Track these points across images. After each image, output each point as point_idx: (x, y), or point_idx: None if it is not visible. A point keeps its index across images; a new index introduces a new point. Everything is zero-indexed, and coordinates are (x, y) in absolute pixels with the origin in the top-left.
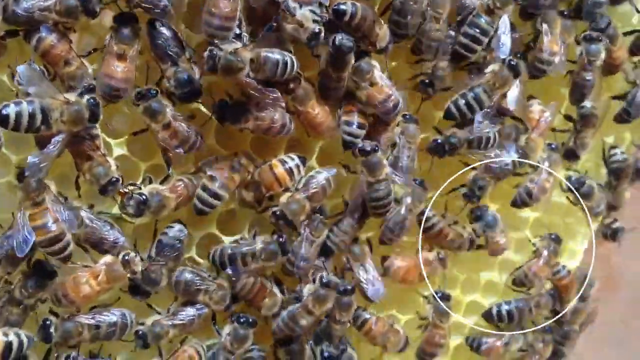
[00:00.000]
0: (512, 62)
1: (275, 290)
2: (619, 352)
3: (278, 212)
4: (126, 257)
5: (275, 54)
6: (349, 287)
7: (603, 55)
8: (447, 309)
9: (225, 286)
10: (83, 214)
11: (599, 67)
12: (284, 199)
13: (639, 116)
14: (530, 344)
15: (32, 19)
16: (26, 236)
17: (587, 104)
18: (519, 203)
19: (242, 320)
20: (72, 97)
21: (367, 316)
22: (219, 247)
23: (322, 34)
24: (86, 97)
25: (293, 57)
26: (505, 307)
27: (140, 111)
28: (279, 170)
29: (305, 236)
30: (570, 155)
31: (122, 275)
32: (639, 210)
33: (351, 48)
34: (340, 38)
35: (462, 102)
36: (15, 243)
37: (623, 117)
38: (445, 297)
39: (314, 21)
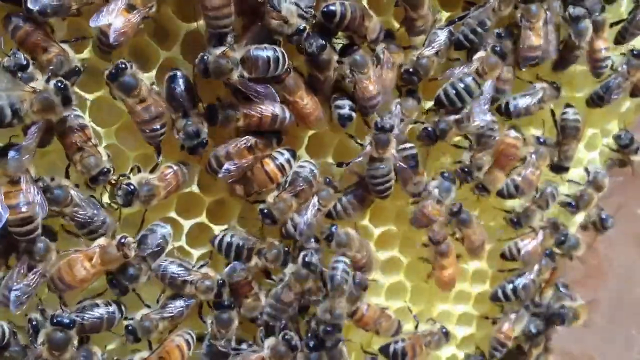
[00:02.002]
0: (497, 47)
1: (262, 295)
2: (606, 339)
3: (265, 211)
4: (122, 240)
5: (265, 51)
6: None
7: (591, 31)
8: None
9: (211, 276)
10: (72, 192)
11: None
12: (270, 198)
13: (610, 102)
14: None
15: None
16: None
17: (570, 111)
18: (506, 195)
19: (219, 305)
20: (39, 85)
21: (358, 304)
22: (227, 235)
23: (306, 31)
24: (52, 82)
25: (283, 52)
26: (509, 287)
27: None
28: (270, 167)
29: (313, 203)
30: (559, 169)
31: (116, 258)
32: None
33: (323, 47)
34: (310, 43)
35: (452, 91)
36: None
37: (595, 101)
38: (445, 335)
39: (299, 16)
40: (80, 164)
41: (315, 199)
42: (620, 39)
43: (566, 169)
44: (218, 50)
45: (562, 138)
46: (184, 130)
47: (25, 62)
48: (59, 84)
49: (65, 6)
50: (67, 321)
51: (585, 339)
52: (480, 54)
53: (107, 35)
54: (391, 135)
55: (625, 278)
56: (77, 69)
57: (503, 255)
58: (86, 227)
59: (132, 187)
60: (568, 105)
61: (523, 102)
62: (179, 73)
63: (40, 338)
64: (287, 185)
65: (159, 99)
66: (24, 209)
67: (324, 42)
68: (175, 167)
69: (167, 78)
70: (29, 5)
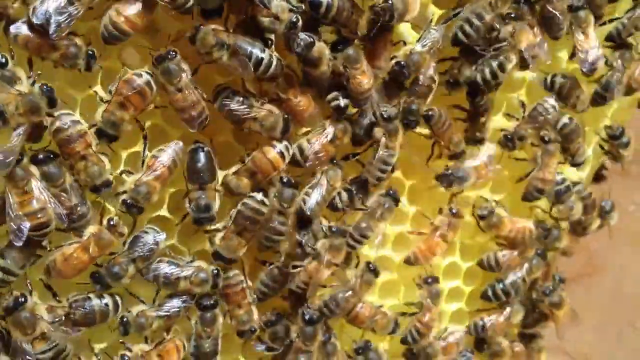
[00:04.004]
0: (513, 14)
1: (254, 308)
2: (599, 337)
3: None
4: (111, 222)
5: (250, 47)
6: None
7: (593, 19)
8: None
9: (204, 267)
10: (67, 176)
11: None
12: (218, 239)
13: (613, 98)
14: None
15: None
16: (20, 225)
17: (566, 119)
18: (530, 198)
19: (202, 305)
20: (24, 88)
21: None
22: None
23: (300, 23)
24: (37, 85)
25: (274, 56)
26: (499, 286)
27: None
28: (272, 154)
29: (321, 182)
30: (577, 166)
31: (111, 241)
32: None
33: (311, 44)
34: (298, 43)
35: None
36: (11, 232)
37: (598, 100)
38: (435, 280)
39: (290, 10)
40: (84, 173)
41: (324, 179)
42: (615, 37)
43: (582, 163)
44: (213, 26)
45: (566, 143)
46: (196, 201)
47: (4, 60)
48: (45, 87)
49: (72, 15)
50: (20, 300)
51: (579, 337)
52: (509, 28)
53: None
54: (398, 123)
55: (619, 275)
56: (91, 53)
57: (481, 265)
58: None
59: (128, 200)
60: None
61: (563, 80)
62: (202, 147)
63: (9, 324)
64: (231, 223)
65: None
66: (39, 215)
67: (311, 39)
68: (160, 156)
69: (190, 150)
70: (34, 20)
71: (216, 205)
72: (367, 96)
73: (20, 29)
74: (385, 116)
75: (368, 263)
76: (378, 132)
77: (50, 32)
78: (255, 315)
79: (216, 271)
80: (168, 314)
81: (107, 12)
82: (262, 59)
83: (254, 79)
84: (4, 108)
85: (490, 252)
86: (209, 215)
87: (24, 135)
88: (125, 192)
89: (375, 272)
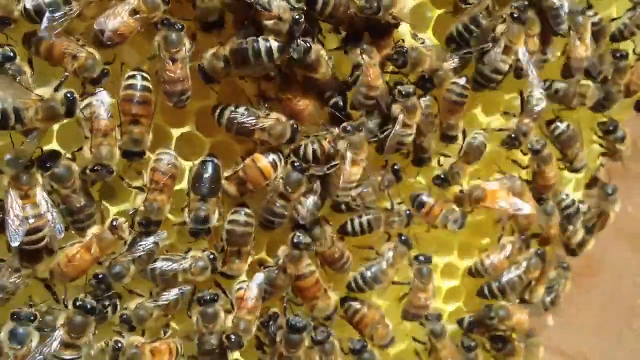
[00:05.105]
0: (515, 14)
1: (256, 323)
2: (598, 337)
3: None
4: (114, 223)
5: (253, 42)
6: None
7: (590, 26)
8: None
9: (199, 256)
10: (77, 178)
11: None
12: (219, 264)
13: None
14: None
15: None
16: (18, 228)
17: (559, 124)
18: None
19: (202, 300)
20: (46, 93)
21: (359, 306)
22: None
23: (302, 20)
24: (62, 92)
25: (276, 44)
26: (495, 284)
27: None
28: (263, 163)
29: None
30: (576, 171)
31: (113, 242)
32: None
33: (308, 50)
34: (293, 49)
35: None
36: (9, 232)
37: (598, 108)
38: (427, 260)
39: (291, 9)
40: (95, 149)
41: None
42: (618, 37)
43: (581, 169)
44: (210, 52)
45: (564, 149)
46: (195, 212)
47: (12, 54)
48: (69, 95)
49: (67, 14)
50: (90, 306)
51: (578, 337)
52: (500, 27)
53: (102, 34)
54: (414, 101)
55: (617, 276)
56: (105, 71)
57: (470, 273)
58: (73, 215)
59: (143, 222)
60: (552, 121)
61: (561, 85)
62: (213, 160)
63: (61, 320)
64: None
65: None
66: (31, 220)
67: (308, 45)
68: (159, 166)
69: (200, 161)
70: (26, 4)
71: (214, 218)
72: (375, 94)
73: (43, 35)
74: (404, 92)
75: (400, 235)
76: (396, 108)
77: (41, 28)
78: (253, 329)
79: (212, 256)
80: (167, 302)
81: None
82: (269, 47)
83: (253, 78)
84: (23, 113)
85: (477, 259)
86: (206, 227)
87: (37, 139)
88: (136, 212)
89: (408, 244)
